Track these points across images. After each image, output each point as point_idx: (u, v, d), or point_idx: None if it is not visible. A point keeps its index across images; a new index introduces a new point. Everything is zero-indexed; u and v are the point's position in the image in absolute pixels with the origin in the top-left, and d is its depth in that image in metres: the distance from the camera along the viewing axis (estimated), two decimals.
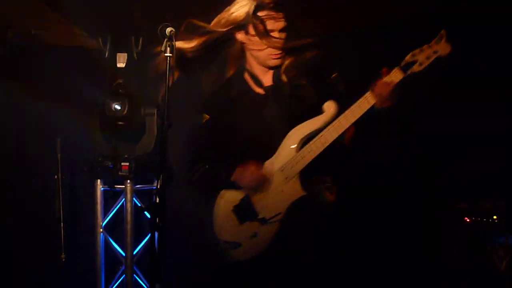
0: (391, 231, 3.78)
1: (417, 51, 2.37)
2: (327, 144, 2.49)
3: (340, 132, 2.48)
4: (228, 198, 2.69)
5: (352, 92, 2.52)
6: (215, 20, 2.67)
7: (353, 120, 2.45)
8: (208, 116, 2.76)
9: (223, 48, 2.74)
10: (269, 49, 2.58)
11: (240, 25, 2.60)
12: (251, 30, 2.58)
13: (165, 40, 2.31)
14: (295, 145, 2.55)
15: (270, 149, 2.61)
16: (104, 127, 4.28)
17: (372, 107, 2.44)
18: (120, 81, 4.26)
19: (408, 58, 2.38)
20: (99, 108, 4.22)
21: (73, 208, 4.47)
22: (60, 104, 4.36)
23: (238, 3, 2.61)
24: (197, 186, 2.81)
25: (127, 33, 4.38)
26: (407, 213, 3.77)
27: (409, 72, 2.37)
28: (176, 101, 4.22)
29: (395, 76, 2.40)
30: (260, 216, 2.60)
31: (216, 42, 2.69)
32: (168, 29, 2.31)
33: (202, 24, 2.67)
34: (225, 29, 2.63)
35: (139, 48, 4.35)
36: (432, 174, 3.79)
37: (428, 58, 2.35)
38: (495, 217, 3.30)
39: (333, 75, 2.62)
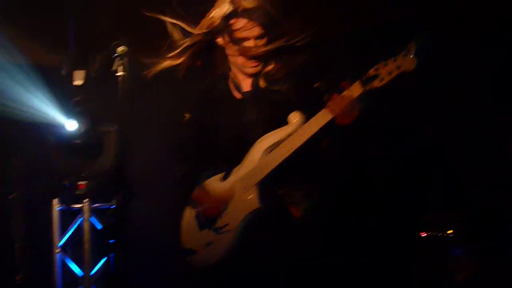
0: (356, 251, 3.78)
1: (381, 64, 2.28)
2: (285, 156, 2.44)
3: (298, 145, 2.41)
4: (190, 208, 2.71)
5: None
6: (199, 25, 2.61)
7: (309, 134, 2.39)
8: (188, 116, 2.75)
9: (208, 53, 2.69)
10: (244, 58, 2.54)
11: (218, 30, 2.57)
12: (226, 37, 2.56)
13: (117, 59, 2.29)
14: (259, 155, 2.51)
15: (241, 155, 2.59)
16: (61, 145, 4.22)
17: (332, 122, 2.37)
18: (78, 98, 4.21)
19: (371, 72, 2.29)
20: (56, 126, 4.16)
21: (29, 227, 4.37)
22: (17, 121, 4.30)
23: (216, 7, 2.56)
24: (179, 186, 2.79)
25: (85, 49, 4.34)
26: (377, 231, 3.78)
27: (368, 87, 2.29)
28: (142, 116, 4.28)
29: (355, 90, 2.32)
30: (216, 225, 2.58)
31: (202, 50, 2.65)
32: (120, 48, 2.29)
33: (189, 29, 2.62)
34: (204, 35, 2.59)
35: (97, 64, 4.31)
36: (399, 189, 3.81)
37: (390, 73, 2.26)
38: (450, 231, 3.35)
39: (316, 84, 2.55)
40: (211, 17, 2.55)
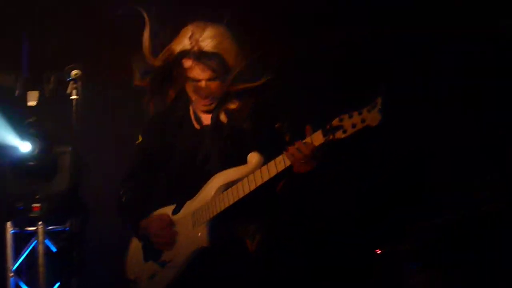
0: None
1: (345, 116, 2.21)
2: (239, 197, 2.39)
3: (253, 188, 2.36)
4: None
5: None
6: (158, 57, 2.55)
7: (266, 178, 2.34)
8: (141, 139, 2.69)
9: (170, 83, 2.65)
10: (197, 96, 2.52)
11: (173, 63, 2.52)
12: (178, 73, 2.53)
13: (71, 83, 2.28)
14: (214, 191, 2.46)
15: (193, 189, 2.53)
16: (14, 167, 4.16)
17: (290, 169, 2.31)
18: (31, 119, 4.16)
19: (334, 122, 2.23)
20: (9, 148, 4.10)
21: None
22: None
23: (177, 39, 2.52)
24: (120, 215, 2.72)
25: (38, 70, 4.29)
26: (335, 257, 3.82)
27: (330, 137, 2.23)
28: (98, 138, 4.25)
29: (316, 139, 2.26)
30: (162, 259, 2.53)
31: (163, 80, 2.61)
32: (74, 72, 2.29)
33: (150, 61, 2.57)
34: (162, 67, 2.54)
35: (51, 85, 4.26)
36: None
37: (353, 126, 2.19)
38: (407, 246, 3.42)
39: (277, 125, 2.52)
40: (169, 49, 2.52)
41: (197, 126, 2.60)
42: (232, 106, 2.56)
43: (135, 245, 2.66)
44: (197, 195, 2.52)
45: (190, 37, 2.47)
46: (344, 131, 2.20)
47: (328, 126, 2.24)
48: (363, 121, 2.17)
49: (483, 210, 3.31)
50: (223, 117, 2.56)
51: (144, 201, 2.66)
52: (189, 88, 2.54)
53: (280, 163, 2.31)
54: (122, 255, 3.86)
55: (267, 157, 2.40)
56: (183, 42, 2.48)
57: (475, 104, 3.70)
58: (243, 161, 2.44)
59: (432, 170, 3.80)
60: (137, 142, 2.69)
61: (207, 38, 2.46)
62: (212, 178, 2.48)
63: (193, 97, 2.54)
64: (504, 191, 3.32)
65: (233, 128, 2.53)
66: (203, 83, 2.47)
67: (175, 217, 2.55)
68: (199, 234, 2.46)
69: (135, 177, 2.70)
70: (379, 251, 3.53)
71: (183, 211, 2.55)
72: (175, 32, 2.57)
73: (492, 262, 3.17)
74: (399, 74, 3.80)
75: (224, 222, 2.46)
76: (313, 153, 2.27)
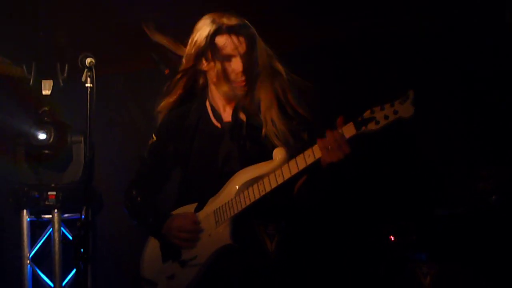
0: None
1: (377, 108, 2.16)
2: (265, 192, 2.33)
3: (280, 182, 2.30)
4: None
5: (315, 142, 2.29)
6: (186, 53, 2.53)
7: (295, 172, 2.28)
8: (155, 139, 2.64)
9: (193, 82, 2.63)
10: (232, 75, 2.43)
11: (203, 52, 2.46)
12: (210, 57, 2.45)
13: (85, 71, 2.29)
14: (237, 188, 2.40)
15: (215, 188, 2.47)
16: (29, 156, 4.20)
17: (319, 161, 2.25)
18: (46, 108, 4.19)
19: (366, 114, 2.17)
20: (25, 137, 4.13)
21: None
22: None
23: (197, 30, 2.48)
24: (135, 215, 2.67)
25: (52, 59, 4.32)
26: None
27: (363, 129, 2.17)
28: (110, 127, 4.28)
29: (347, 130, 2.20)
30: (182, 258, 2.47)
31: (190, 79, 2.59)
32: (88, 60, 2.29)
33: (179, 52, 2.56)
34: (193, 60, 2.50)
35: (65, 74, 4.29)
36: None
37: (386, 117, 2.13)
38: (414, 237, 3.42)
39: (294, 122, 2.47)
40: (195, 41, 2.47)
41: (217, 124, 2.54)
42: (248, 102, 2.51)
43: (152, 245, 2.61)
44: (219, 192, 2.46)
45: (213, 22, 2.43)
46: (377, 122, 2.15)
47: (360, 118, 2.18)
48: (395, 112, 2.12)
49: (488, 201, 3.30)
50: (242, 115, 2.52)
51: (161, 204, 2.63)
52: (218, 74, 2.45)
53: (310, 156, 2.26)
54: (132, 244, 3.93)
55: (289, 154, 2.36)
56: (207, 28, 2.43)
57: (481, 94, 3.67)
58: (264, 160, 2.40)
59: (437, 160, 3.77)
60: (150, 141, 2.65)
61: (230, 17, 2.43)
62: (235, 175, 2.43)
63: (225, 83, 2.45)
64: (510, 182, 3.30)
65: (252, 125, 2.48)
66: (238, 60, 2.41)
67: (198, 215, 2.50)
68: (222, 231, 2.40)
69: (149, 181, 2.66)
70: (393, 238, 3.53)
71: (205, 209, 2.49)
72: (189, 29, 2.54)
73: (498, 254, 3.16)
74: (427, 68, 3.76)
75: (245, 221, 2.41)
76: (343, 145, 2.20)
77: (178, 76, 2.59)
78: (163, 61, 2.85)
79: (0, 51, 4.29)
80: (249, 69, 2.44)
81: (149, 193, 2.65)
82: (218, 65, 2.43)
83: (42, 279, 4.25)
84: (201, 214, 2.49)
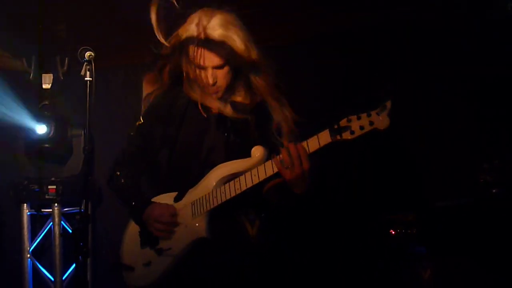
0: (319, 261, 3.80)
1: (354, 117, 2.17)
2: (241, 190, 2.35)
3: (256, 182, 2.33)
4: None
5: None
6: (168, 40, 2.54)
7: (270, 174, 2.31)
8: (143, 121, 2.64)
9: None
10: (203, 82, 2.47)
11: (180, 49, 2.49)
12: (185, 60, 2.49)
13: (85, 64, 2.28)
14: (214, 183, 2.43)
15: (196, 177, 2.50)
16: (30, 150, 4.19)
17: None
18: (46, 102, 4.19)
19: (342, 122, 2.18)
20: (25, 131, 4.13)
21: None
22: None
23: (185, 25, 2.49)
24: (118, 195, 2.68)
25: (52, 53, 4.31)
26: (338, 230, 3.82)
27: (337, 138, 2.18)
28: (109, 121, 4.27)
29: (322, 138, 2.22)
30: (159, 246, 2.50)
31: (175, 67, 2.58)
32: (87, 53, 2.28)
33: (161, 40, 2.54)
34: (170, 50, 2.52)
35: (65, 68, 4.29)
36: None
37: (361, 128, 2.15)
38: (415, 230, 3.42)
39: (274, 126, 2.48)
40: (177, 35, 2.50)
41: (204, 114, 2.55)
42: (238, 98, 2.53)
43: (132, 229, 2.62)
44: (198, 184, 2.49)
45: (197, 24, 2.43)
46: (352, 132, 2.16)
47: (335, 126, 2.19)
48: (371, 123, 2.15)
49: (490, 194, 3.30)
50: (228, 109, 2.53)
51: (143, 186, 2.63)
52: (193, 75, 2.49)
53: (269, 168, 2.31)
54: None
55: (271, 152, 2.37)
56: (190, 29, 2.45)
57: (482, 88, 3.67)
58: (247, 154, 2.41)
59: (438, 154, 3.77)
60: (137, 123, 2.65)
61: (214, 26, 2.42)
62: (215, 168, 2.46)
63: (200, 83, 2.50)
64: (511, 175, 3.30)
65: (237, 120, 2.50)
66: (209, 71, 2.43)
67: (176, 206, 2.52)
68: (198, 224, 2.44)
69: (134, 161, 2.65)
70: (393, 232, 3.52)
71: (184, 200, 2.52)
72: (182, 19, 2.53)
73: (499, 247, 3.16)
74: (406, 64, 3.75)
75: (224, 209, 2.42)
76: (304, 160, 2.22)
77: (161, 62, 2.61)
78: (162, 54, 2.83)
79: (0, 44, 4.29)
80: (221, 81, 2.45)
81: (133, 174, 2.64)
82: (192, 69, 2.47)
83: (43, 272, 4.25)
84: (179, 205, 2.52)
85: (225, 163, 2.45)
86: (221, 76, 2.46)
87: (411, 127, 3.73)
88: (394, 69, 3.80)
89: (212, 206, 2.41)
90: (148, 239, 2.53)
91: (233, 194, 2.37)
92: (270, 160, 2.32)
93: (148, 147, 2.62)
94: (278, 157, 2.27)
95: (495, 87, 3.64)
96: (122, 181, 2.62)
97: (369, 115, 2.15)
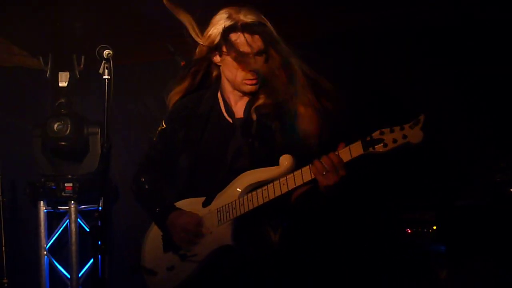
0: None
1: (387, 130, 2.14)
2: (269, 199, 2.32)
3: (284, 192, 2.30)
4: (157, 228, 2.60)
5: (324, 151, 2.26)
6: (200, 45, 2.52)
7: (299, 183, 2.28)
8: (165, 125, 2.61)
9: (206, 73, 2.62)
10: (243, 73, 2.43)
11: (216, 47, 2.46)
12: (224, 51, 2.44)
13: (103, 62, 2.28)
14: (240, 190, 2.39)
15: (221, 183, 2.47)
16: (46, 147, 4.22)
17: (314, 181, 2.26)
18: (63, 100, 4.20)
19: (375, 134, 2.16)
20: (41, 128, 4.16)
21: (15, 230, 4.37)
22: (1, 124, 4.29)
23: (213, 25, 2.47)
24: (141, 201, 2.66)
25: (68, 51, 4.33)
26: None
27: (370, 150, 2.15)
28: (126, 118, 4.29)
29: (354, 149, 2.19)
30: (183, 251, 2.47)
31: (201, 69, 2.59)
32: (106, 51, 2.28)
33: (197, 38, 2.50)
34: (206, 51, 2.50)
35: (81, 66, 4.30)
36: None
37: (395, 141, 2.12)
38: (434, 227, 3.40)
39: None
40: (209, 35, 2.47)
41: (228, 118, 2.52)
42: (260, 101, 2.49)
43: (155, 233, 2.60)
44: (224, 190, 2.45)
45: (229, 17, 2.42)
46: (385, 145, 2.13)
47: (368, 138, 2.16)
48: (404, 137, 2.11)
49: (507, 194, 3.27)
50: (253, 113, 2.49)
51: (167, 190, 2.61)
52: (230, 69, 2.45)
53: (307, 174, 2.27)
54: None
55: (298, 160, 2.34)
56: (221, 24, 2.43)
57: (499, 87, 3.63)
58: (272, 161, 2.38)
59: (453, 152, 3.74)
60: (159, 128, 2.63)
61: (246, 14, 2.42)
62: (241, 176, 2.42)
63: (238, 77, 2.44)
64: None
65: (262, 126, 2.46)
66: (251, 57, 2.40)
67: (202, 212, 2.49)
68: (224, 232, 2.40)
69: (157, 166, 2.64)
70: (410, 231, 3.51)
71: (211, 206, 2.47)
72: (204, 22, 2.52)
73: None
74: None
75: (248, 216, 2.40)
76: (340, 169, 2.20)
77: (191, 66, 2.59)
78: (179, 52, 2.84)
79: (17, 42, 4.32)
80: (261, 68, 2.43)
81: (156, 179, 2.63)
82: (231, 61, 2.43)
83: (59, 270, 4.28)
84: (204, 211, 2.48)
85: (251, 171, 2.40)
86: (261, 63, 2.42)
87: (429, 125, 3.70)
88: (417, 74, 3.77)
89: (238, 214, 2.38)
90: (171, 243, 2.50)
91: (260, 203, 2.34)
92: (299, 170, 2.28)
93: (170, 152, 2.61)
94: (317, 163, 2.23)
95: None
96: (146, 187, 2.62)
97: (402, 129, 2.13)
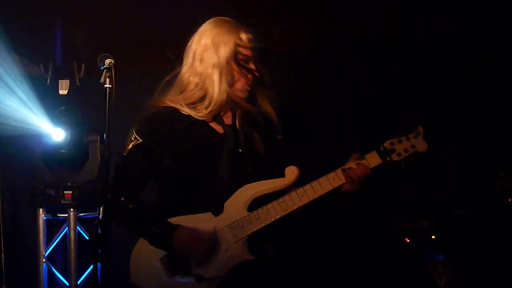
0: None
1: (395, 140, 2.34)
2: (289, 210, 2.32)
3: (305, 202, 2.32)
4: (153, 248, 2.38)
5: (313, 161, 2.40)
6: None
7: (320, 193, 2.32)
8: (141, 139, 2.45)
9: None
10: (243, 81, 2.42)
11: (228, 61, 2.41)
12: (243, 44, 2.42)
13: (104, 71, 2.29)
14: (247, 203, 2.34)
15: (217, 199, 2.36)
16: (46, 155, 4.23)
17: (340, 187, 2.34)
18: (62, 108, 4.22)
19: (387, 145, 2.34)
20: (42, 135, 4.16)
21: (14, 237, 4.37)
22: (2, 131, 4.29)
23: (200, 34, 2.48)
24: (129, 226, 2.46)
25: (69, 59, 4.34)
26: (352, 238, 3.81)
27: (387, 159, 2.33)
28: (125, 126, 4.28)
29: (373, 160, 2.33)
30: (196, 272, 2.31)
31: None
32: (107, 60, 2.28)
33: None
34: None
35: (82, 74, 4.32)
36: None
37: (406, 151, 2.32)
38: (433, 236, 3.41)
39: (279, 136, 2.51)
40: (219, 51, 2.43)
41: (218, 128, 2.45)
42: (248, 107, 2.47)
43: (147, 258, 2.40)
44: (225, 208, 2.35)
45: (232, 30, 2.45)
46: (399, 155, 2.31)
47: (382, 148, 2.33)
48: (413, 146, 2.31)
49: (505, 201, 3.28)
50: (237, 123, 2.47)
51: (158, 208, 2.45)
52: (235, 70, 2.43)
53: (336, 180, 2.34)
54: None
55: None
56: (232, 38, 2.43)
57: (499, 96, 3.65)
58: (260, 171, 2.38)
59: (452, 162, 3.76)
60: (132, 143, 2.47)
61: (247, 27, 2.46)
62: (240, 190, 2.35)
63: (239, 84, 2.43)
64: None
65: (245, 135, 2.46)
66: (252, 65, 2.42)
67: (212, 228, 2.35)
68: (241, 247, 2.33)
69: (136, 182, 2.44)
70: (408, 241, 3.51)
71: (218, 223, 2.35)
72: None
73: None
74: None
75: (261, 237, 2.37)
76: (366, 175, 2.33)
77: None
78: (179, 60, 2.85)
79: (17, 50, 4.32)
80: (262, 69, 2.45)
81: (137, 196, 2.44)
82: (236, 69, 2.42)
83: (58, 277, 4.28)
84: (213, 227, 2.34)
85: (251, 184, 2.35)
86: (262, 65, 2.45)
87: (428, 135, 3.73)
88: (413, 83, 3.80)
89: (257, 228, 2.33)
90: (179, 266, 2.33)
91: (281, 215, 2.33)
92: (316, 180, 2.34)
93: (148, 167, 2.44)
94: (353, 169, 2.34)
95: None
96: (130, 206, 2.39)
97: (408, 139, 2.32)
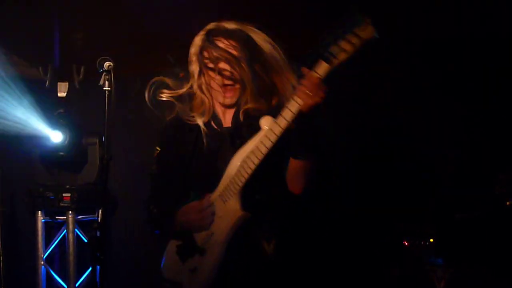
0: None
1: (338, 38, 2.15)
2: (264, 154, 2.29)
3: (274, 140, 2.27)
4: (173, 241, 2.57)
5: None
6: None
7: (285, 125, 2.25)
8: (159, 149, 2.63)
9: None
10: (220, 86, 2.46)
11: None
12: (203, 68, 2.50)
13: (104, 74, 2.29)
14: (236, 168, 2.38)
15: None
16: (45, 157, 4.22)
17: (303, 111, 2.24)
18: (61, 110, 4.22)
19: (332, 49, 2.16)
20: (40, 139, 4.16)
21: (13, 240, 4.37)
22: (0, 134, 4.29)
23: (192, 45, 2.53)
24: (154, 227, 2.65)
25: (68, 62, 4.35)
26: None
27: (335, 62, 2.16)
28: (124, 129, 4.30)
29: (321, 69, 2.19)
30: (198, 244, 2.46)
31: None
32: (107, 63, 2.29)
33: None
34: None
35: (81, 77, 4.32)
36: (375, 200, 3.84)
37: (351, 44, 2.14)
38: (431, 240, 3.41)
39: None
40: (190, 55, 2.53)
41: (216, 128, 2.55)
42: (249, 105, 2.50)
43: (170, 251, 2.58)
44: (219, 185, 2.45)
45: (205, 33, 2.48)
46: (345, 51, 2.14)
47: (327, 54, 2.17)
48: (358, 36, 2.12)
49: (505, 205, 3.28)
50: (241, 116, 2.52)
51: (174, 205, 2.57)
52: (209, 81, 2.50)
53: (293, 105, 2.23)
54: (145, 246, 3.92)
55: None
56: (198, 41, 2.49)
57: (500, 99, 3.66)
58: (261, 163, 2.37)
59: (454, 164, 3.76)
60: (154, 154, 2.63)
61: (229, 23, 2.47)
62: (230, 162, 2.42)
63: (215, 92, 2.50)
64: None
65: (250, 127, 2.46)
66: (223, 65, 2.43)
67: (208, 201, 2.48)
68: (232, 206, 2.39)
69: (164, 190, 2.61)
70: (407, 244, 3.52)
71: (212, 197, 2.47)
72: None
73: None
74: None
75: (240, 228, 2.40)
76: (321, 88, 2.19)
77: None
78: (179, 64, 2.86)
79: (17, 53, 4.33)
80: (237, 80, 2.45)
81: (167, 203, 2.59)
82: (208, 74, 2.48)
83: (56, 280, 4.27)
84: (206, 202, 2.47)
85: (239, 151, 2.40)
86: (238, 75, 2.44)
87: (427, 136, 3.73)
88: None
89: (241, 184, 2.36)
90: (186, 250, 2.49)
91: (256, 162, 2.31)
92: (279, 116, 2.27)
93: (172, 174, 2.59)
94: (301, 86, 2.22)
95: None
96: (155, 211, 2.59)
97: (352, 32, 2.13)
